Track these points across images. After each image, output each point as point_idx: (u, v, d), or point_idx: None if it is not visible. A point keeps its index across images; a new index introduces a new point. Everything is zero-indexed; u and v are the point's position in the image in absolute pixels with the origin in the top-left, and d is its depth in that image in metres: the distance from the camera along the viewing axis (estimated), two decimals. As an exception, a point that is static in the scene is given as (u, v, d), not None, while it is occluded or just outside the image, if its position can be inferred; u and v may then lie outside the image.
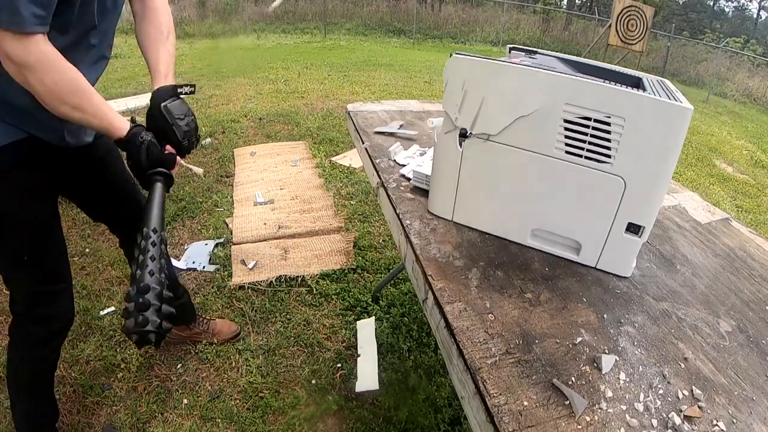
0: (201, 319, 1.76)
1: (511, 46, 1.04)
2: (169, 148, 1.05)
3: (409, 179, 1.15)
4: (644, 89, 0.82)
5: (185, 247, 2.36)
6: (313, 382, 1.67)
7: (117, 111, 1.18)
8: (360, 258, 2.32)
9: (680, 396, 0.65)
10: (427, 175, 1.08)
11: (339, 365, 1.74)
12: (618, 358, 0.70)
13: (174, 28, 1.19)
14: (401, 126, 1.49)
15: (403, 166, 1.22)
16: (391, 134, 1.43)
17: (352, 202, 2.88)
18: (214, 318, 1.84)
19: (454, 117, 0.91)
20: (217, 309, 1.95)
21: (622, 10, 8.30)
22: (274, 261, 2.26)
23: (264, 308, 1.98)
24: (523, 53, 1.04)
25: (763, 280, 0.97)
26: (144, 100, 4.71)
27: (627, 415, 0.61)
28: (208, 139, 3.72)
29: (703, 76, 10.85)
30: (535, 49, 1.06)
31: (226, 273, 2.18)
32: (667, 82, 0.94)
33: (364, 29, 12.51)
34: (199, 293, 2.05)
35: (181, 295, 1.63)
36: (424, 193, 1.11)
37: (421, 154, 1.27)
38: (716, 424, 0.62)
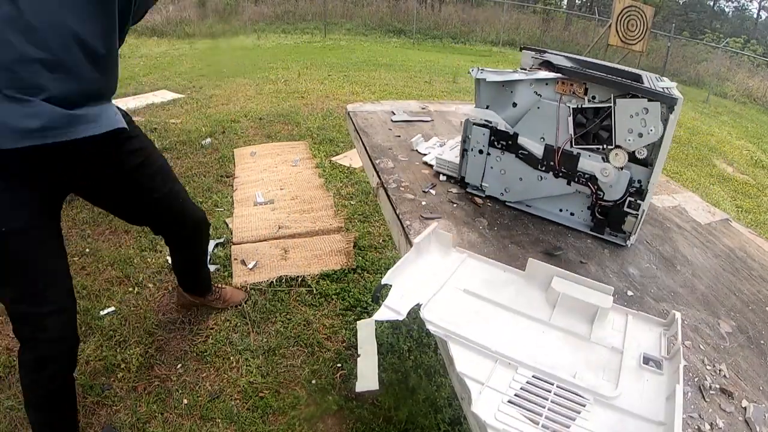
0: (214, 288, 1.94)
1: (522, 46, 1.12)
2: None
3: (431, 165, 1.28)
4: (643, 83, 0.92)
5: (185, 247, 2.35)
6: (313, 382, 1.67)
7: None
8: (360, 258, 2.32)
9: (680, 397, 0.65)
10: (448, 161, 1.22)
11: (339, 365, 1.74)
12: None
13: None
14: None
15: (425, 155, 1.34)
16: (408, 122, 1.61)
17: (352, 202, 2.88)
18: (224, 286, 2.02)
19: None
20: (218, 309, 1.95)
21: (622, 10, 8.30)
22: (274, 261, 2.26)
23: (264, 308, 1.98)
24: (534, 52, 1.13)
25: (763, 280, 0.97)
26: (144, 100, 4.71)
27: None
28: (208, 139, 3.72)
29: (703, 76, 10.84)
30: (544, 49, 1.11)
31: (226, 273, 2.19)
32: (665, 78, 0.98)
33: (364, 29, 12.50)
34: (199, 293, 2.04)
35: (206, 271, 1.83)
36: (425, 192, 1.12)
37: (441, 145, 1.40)
38: (716, 424, 0.62)
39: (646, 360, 0.68)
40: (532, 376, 0.63)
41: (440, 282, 0.79)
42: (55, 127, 1.02)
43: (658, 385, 0.64)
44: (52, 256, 1.13)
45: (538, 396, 0.61)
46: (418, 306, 0.72)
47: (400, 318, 0.69)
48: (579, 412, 0.59)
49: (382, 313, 0.70)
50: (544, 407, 0.59)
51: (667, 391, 0.63)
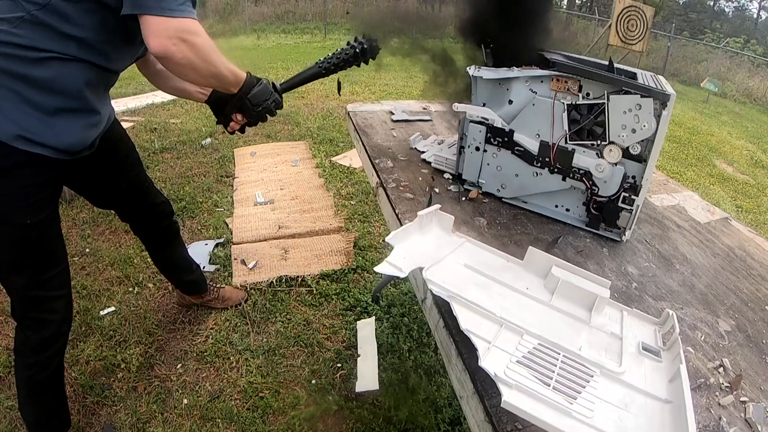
0: (212, 287, 1.93)
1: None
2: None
3: (429, 163, 1.29)
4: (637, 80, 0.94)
5: (185, 247, 2.35)
6: (313, 382, 1.67)
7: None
8: (360, 258, 2.32)
9: (679, 395, 0.65)
10: (446, 158, 1.24)
11: (339, 365, 1.74)
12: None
13: None
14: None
15: (423, 152, 1.35)
16: (408, 121, 1.62)
17: (352, 202, 2.88)
18: (224, 286, 2.02)
19: None
20: (217, 309, 1.95)
21: (622, 10, 8.30)
22: (274, 261, 2.26)
23: (264, 308, 1.98)
24: None
25: (762, 279, 0.97)
26: (144, 100, 4.71)
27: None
28: (208, 139, 3.72)
29: (703, 76, 10.84)
30: (542, 49, 1.11)
31: (226, 273, 2.19)
32: (661, 77, 0.99)
33: (364, 29, 12.48)
34: (199, 293, 2.04)
35: (194, 270, 1.81)
36: (420, 195, 1.11)
37: (439, 143, 1.41)
38: (716, 423, 0.62)
39: (645, 348, 0.69)
40: (539, 344, 0.64)
41: (441, 255, 0.79)
42: (101, 132, 1.17)
43: (658, 371, 0.65)
44: (61, 243, 1.21)
45: (546, 361, 0.61)
46: (420, 269, 0.72)
47: (401, 275, 0.68)
48: (588, 381, 0.59)
49: (384, 267, 0.69)
50: (553, 371, 0.59)
51: (669, 375, 0.63)
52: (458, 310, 0.66)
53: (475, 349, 0.59)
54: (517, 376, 0.57)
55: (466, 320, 0.64)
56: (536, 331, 0.65)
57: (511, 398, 0.53)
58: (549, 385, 0.57)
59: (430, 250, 0.80)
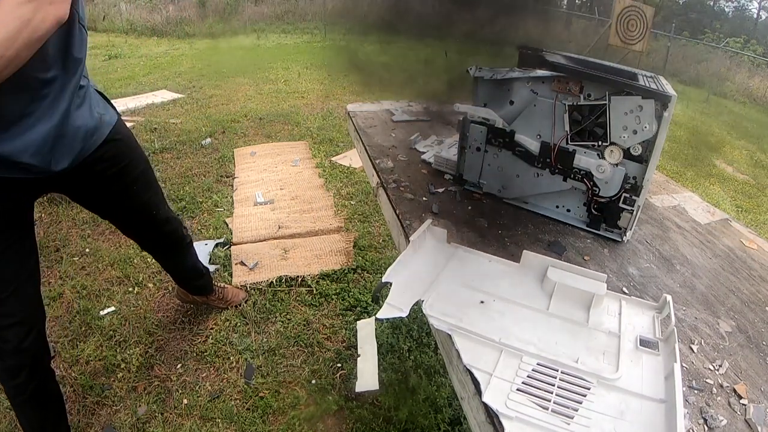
0: (216, 287, 1.93)
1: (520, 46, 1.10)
2: None
3: (430, 164, 1.28)
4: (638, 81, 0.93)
5: (185, 247, 2.35)
6: (313, 382, 1.67)
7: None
8: (360, 258, 2.32)
9: (680, 396, 0.65)
10: (447, 159, 1.24)
11: (339, 365, 1.74)
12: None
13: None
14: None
15: (423, 153, 1.34)
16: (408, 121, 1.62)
17: (352, 202, 2.88)
18: (226, 286, 2.02)
19: None
20: (218, 309, 1.95)
21: (622, 10, 8.30)
22: (274, 261, 2.26)
23: (264, 308, 1.98)
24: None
25: (762, 280, 0.97)
26: (144, 100, 4.71)
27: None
28: (208, 139, 3.72)
29: (703, 76, 10.83)
30: (542, 49, 1.11)
31: (226, 273, 2.19)
32: (661, 78, 0.99)
33: (364, 29, 12.47)
34: (199, 293, 2.04)
35: (204, 275, 1.81)
36: (422, 196, 1.12)
37: (439, 143, 1.40)
38: (716, 424, 0.62)
39: (643, 342, 0.70)
40: (537, 364, 0.65)
41: (438, 277, 0.80)
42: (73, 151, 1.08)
43: (655, 366, 0.66)
44: (10, 266, 1.08)
45: (544, 382, 0.62)
46: (420, 302, 0.72)
47: (403, 315, 0.70)
48: (585, 395, 0.61)
49: (385, 311, 0.71)
50: (551, 393, 0.61)
51: (665, 370, 0.65)
52: (459, 344, 0.67)
53: (478, 383, 0.62)
54: (518, 405, 0.59)
55: (467, 354, 0.66)
56: (535, 350, 0.67)
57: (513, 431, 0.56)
58: (547, 409, 0.59)
59: (427, 274, 0.81)
